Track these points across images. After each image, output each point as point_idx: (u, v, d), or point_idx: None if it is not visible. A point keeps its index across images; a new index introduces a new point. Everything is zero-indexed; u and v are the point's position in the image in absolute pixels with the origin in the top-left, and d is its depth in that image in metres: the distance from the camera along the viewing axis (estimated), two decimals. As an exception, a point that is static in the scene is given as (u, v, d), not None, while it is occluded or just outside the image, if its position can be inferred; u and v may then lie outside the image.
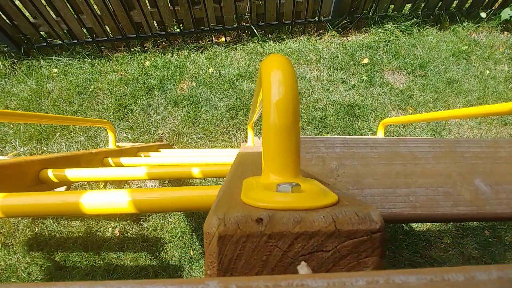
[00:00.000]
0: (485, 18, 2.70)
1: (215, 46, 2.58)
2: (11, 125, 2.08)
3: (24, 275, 1.60)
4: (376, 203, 0.51)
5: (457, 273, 0.15)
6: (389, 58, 2.55)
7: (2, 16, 2.21)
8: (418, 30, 2.70)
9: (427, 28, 2.72)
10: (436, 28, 2.73)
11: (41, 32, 2.37)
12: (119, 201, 0.57)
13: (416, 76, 2.47)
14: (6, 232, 1.69)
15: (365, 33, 2.70)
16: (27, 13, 2.27)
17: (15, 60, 2.38)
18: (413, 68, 2.50)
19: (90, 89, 2.29)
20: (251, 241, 0.20)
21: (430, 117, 1.47)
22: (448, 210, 0.51)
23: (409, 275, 0.16)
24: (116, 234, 1.70)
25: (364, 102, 2.32)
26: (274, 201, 0.22)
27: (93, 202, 0.57)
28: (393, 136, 2.20)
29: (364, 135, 2.19)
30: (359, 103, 2.31)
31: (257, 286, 0.15)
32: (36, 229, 1.70)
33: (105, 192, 0.59)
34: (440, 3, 2.63)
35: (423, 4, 2.63)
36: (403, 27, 2.67)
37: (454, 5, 2.70)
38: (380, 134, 1.71)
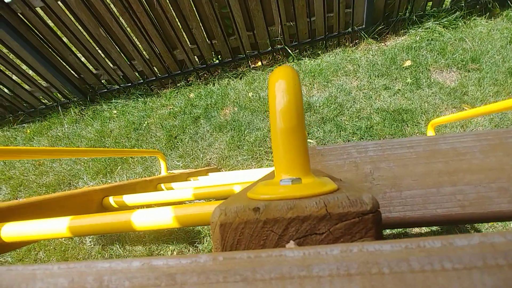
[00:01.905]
0: (543, -3, 2.43)
1: (252, 71, 2.69)
2: (82, 163, 2.37)
3: None
4: (418, 205, 0.47)
5: (434, 241, 0.16)
6: (435, 56, 2.41)
7: (71, 71, 2.60)
8: (464, 22, 2.52)
9: (474, 19, 2.52)
10: (485, 17, 2.52)
11: (102, 80, 2.72)
12: (162, 218, 0.63)
13: (468, 71, 2.28)
14: (82, 258, 1.89)
15: (404, 35, 2.60)
16: (90, 66, 2.64)
17: (83, 107, 2.75)
18: (464, 63, 2.32)
19: (144, 125, 2.53)
20: (249, 227, 0.22)
21: (487, 110, 1.32)
22: (505, 207, 0.45)
23: (384, 244, 0.16)
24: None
25: (412, 105, 2.19)
26: (273, 192, 0.24)
27: (141, 220, 0.64)
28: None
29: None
30: (407, 108, 2.19)
31: (240, 257, 0.17)
32: (106, 255, 1.88)
33: (151, 210, 0.65)
34: (485, -9, 2.45)
35: (465, -5, 2.47)
36: (446, 22, 2.51)
37: (503, -10, 2.49)
38: None
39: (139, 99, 2.71)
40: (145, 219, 0.63)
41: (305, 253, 0.16)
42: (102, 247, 1.90)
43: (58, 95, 2.74)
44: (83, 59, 2.57)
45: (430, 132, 1.55)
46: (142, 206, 1.88)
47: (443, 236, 0.16)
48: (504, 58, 2.28)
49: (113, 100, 2.73)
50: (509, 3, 2.49)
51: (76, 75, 2.64)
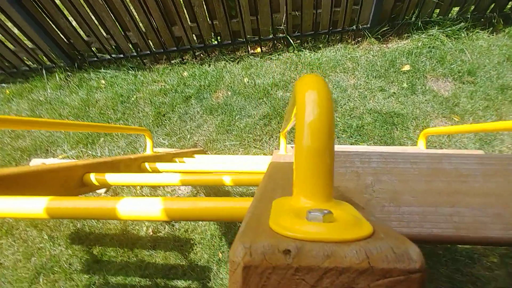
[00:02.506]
0: (545, 19, 2.45)
1: (251, 56, 2.63)
2: (63, 131, 2.27)
3: (65, 265, 1.72)
4: (414, 222, 0.47)
5: None
6: (433, 64, 2.40)
7: (61, 35, 2.47)
8: (467, 34, 2.52)
9: (477, 32, 2.53)
10: (487, 31, 2.53)
11: (92, 48, 2.60)
12: (152, 210, 0.59)
13: (463, 83, 2.29)
14: (53, 226, 1.84)
15: (407, 39, 2.58)
16: (81, 32, 2.51)
17: (69, 74, 2.63)
18: (460, 74, 2.32)
19: (133, 99, 2.44)
20: (277, 274, 0.19)
21: (477, 129, 1.32)
22: (498, 233, 0.46)
23: None
24: (149, 233, 1.76)
25: (404, 110, 2.19)
26: (303, 231, 0.21)
27: (128, 209, 0.59)
28: (435, 147, 2.03)
29: (403, 144, 2.06)
30: (399, 112, 2.18)
31: None
32: (79, 225, 1.83)
33: (140, 199, 0.61)
34: (492, 5, 2.44)
35: (472, 7, 2.46)
36: (449, 31, 2.51)
37: (509, 6, 2.49)
38: (421, 145, 1.59)
39: (130, 72, 2.62)
40: (134, 209, 0.58)
41: None
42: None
43: (44, 58, 2.61)
44: (74, 23, 2.44)
45: (421, 141, 1.55)
46: (125, 187, 1.84)
47: None
48: (499, 74, 2.30)
49: (102, 70, 2.62)
50: (512, 20, 2.50)
51: (65, 39, 2.51)
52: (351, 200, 0.35)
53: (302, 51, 2.60)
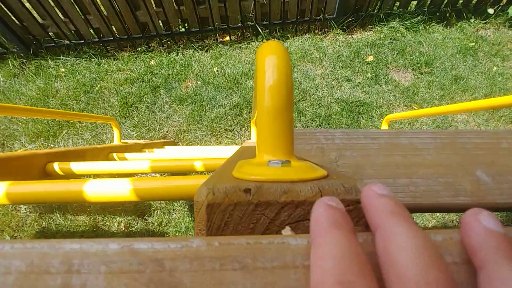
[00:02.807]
0: (492, 14, 2.66)
1: (219, 45, 2.59)
2: (20, 123, 2.12)
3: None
4: None
5: None
6: (395, 55, 2.53)
7: (13, 18, 2.27)
8: (424, 27, 2.68)
9: (433, 25, 2.69)
10: (442, 25, 2.70)
11: (49, 33, 2.42)
12: (120, 190, 0.58)
13: (421, 74, 2.45)
14: (15, 226, 1.73)
15: (370, 30, 2.68)
16: (36, 15, 2.32)
17: (24, 60, 2.43)
18: (418, 65, 2.48)
19: (97, 88, 2.33)
20: (239, 209, 0.21)
21: (435, 112, 1.45)
22: (449, 200, 0.51)
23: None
24: (122, 228, 1.73)
25: (369, 99, 2.31)
26: (263, 174, 0.23)
27: (95, 190, 0.58)
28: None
29: (369, 132, 2.17)
30: (364, 101, 2.30)
31: (238, 243, 0.15)
32: (44, 223, 1.74)
33: (107, 180, 0.60)
34: (446, 0, 2.60)
35: (429, 1, 2.61)
36: (408, 24, 2.65)
37: (461, 1, 2.67)
38: None
39: (93, 59, 2.48)
40: (101, 190, 0.58)
41: (310, 242, 0.15)
42: (39, 215, 1.75)
43: (-7, 42, 2.39)
44: (28, 4, 2.24)
45: (384, 127, 1.66)
46: (91, 176, 1.78)
47: None
48: (452, 65, 2.49)
49: (61, 57, 2.46)
50: (464, 15, 2.69)
51: (18, 22, 2.31)
52: (311, 161, 0.38)
53: (271, 40, 2.61)
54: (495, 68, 2.46)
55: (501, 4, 2.67)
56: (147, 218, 1.76)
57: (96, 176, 1.76)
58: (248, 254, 0.15)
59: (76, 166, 0.94)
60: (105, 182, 0.59)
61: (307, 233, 0.22)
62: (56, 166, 0.92)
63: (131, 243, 0.15)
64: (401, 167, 0.54)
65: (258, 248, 0.15)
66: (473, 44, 2.57)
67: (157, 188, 0.57)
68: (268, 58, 0.29)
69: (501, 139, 0.59)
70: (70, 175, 0.98)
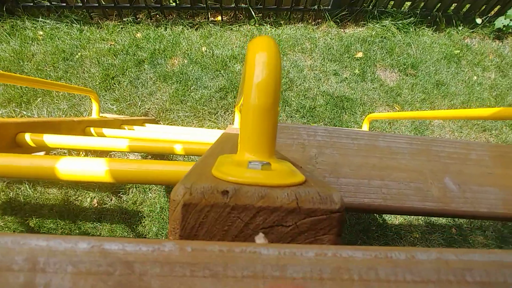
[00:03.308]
0: (480, 24, 2.73)
1: (210, 24, 2.52)
2: (-9, 85, 2.00)
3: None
4: (350, 192, 0.53)
5: (400, 252, 0.16)
6: (383, 54, 2.56)
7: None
8: (415, 29, 2.71)
9: (423, 28, 2.73)
10: (432, 29, 2.74)
11: (28, -10, 2.26)
12: (96, 170, 0.57)
13: (407, 75, 2.50)
14: (-22, 195, 1.66)
15: (363, 26, 2.69)
16: (14, -31, 2.16)
17: (-2, 18, 2.27)
18: (405, 66, 2.52)
19: (77, 56, 2.22)
20: (215, 211, 0.21)
21: (415, 116, 1.51)
22: (416, 204, 0.54)
23: (356, 251, 0.16)
24: (94, 204, 1.69)
25: (354, 95, 2.34)
26: (242, 176, 0.23)
27: (70, 168, 0.56)
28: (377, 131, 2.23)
29: (350, 128, 2.22)
30: (349, 96, 2.32)
31: (211, 250, 0.15)
32: (11, 194, 1.67)
33: (82, 159, 0.58)
34: (439, 4, 2.64)
35: (422, 4, 2.63)
36: (400, 24, 2.67)
37: (452, 7, 2.71)
38: (365, 128, 1.74)
39: (74, 25, 2.34)
40: (76, 168, 0.55)
41: (281, 253, 0.15)
42: (6, 185, 1.68)
43: (-35, -6, 2.20)
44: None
45: (365, 125, 1.69)
46: (67, 151, 1.72)
47: (405, 248, 0.17)
48: (436, 70, 2.55)
49: (40, 19, 2.31)
50: (454, 22, 2.74)
51: (-8, -26, 2.14)
52: (292, 160, 0.39)
53: (264, 25, 2.57)
54: (475, 77, 2.55)
55: (489, 15, 2.73)
56: (121, 195, 1.73)
57: (71, 150, 1.70)
58: (220, 262, 0.15)
59: (50, 139, 0.90)
60: (80, 160, 0.57)
61: (280, 238, 0.22)
62: (28, 137, 0.88)
63: (102, 243, 0.15)
64: (376, 169, 0.55)
65: (230, 256, 0.15)
66: (458, 51, 2.64)
67: (134, 171, 0.56)
68: (259, 54, 0.29)
69: (471, 150, 0.62)
70: (43, 148, 0.94)
